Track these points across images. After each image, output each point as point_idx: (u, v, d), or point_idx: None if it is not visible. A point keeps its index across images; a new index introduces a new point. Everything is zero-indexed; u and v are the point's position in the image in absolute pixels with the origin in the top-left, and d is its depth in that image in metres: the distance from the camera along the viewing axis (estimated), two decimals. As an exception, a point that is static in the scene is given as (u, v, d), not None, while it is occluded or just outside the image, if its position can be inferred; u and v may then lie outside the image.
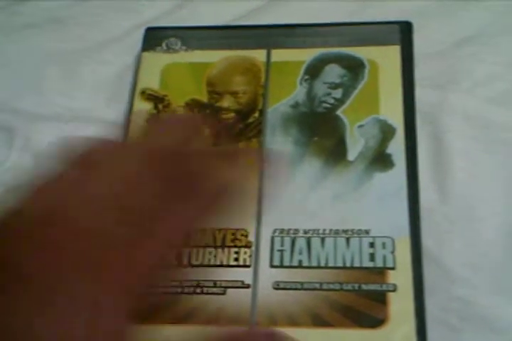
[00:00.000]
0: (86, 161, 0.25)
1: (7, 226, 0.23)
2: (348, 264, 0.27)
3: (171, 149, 0.25)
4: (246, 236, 0.29)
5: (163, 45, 0.35)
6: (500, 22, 0.36)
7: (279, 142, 0.31)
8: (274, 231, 0.29)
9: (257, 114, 0.33)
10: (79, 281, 0.20)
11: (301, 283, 0.27)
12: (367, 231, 0.28)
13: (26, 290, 0.19)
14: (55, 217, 0.22)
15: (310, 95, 0.33)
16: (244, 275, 0.28)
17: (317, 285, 0.27)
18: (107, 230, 0.21)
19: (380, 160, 0.30)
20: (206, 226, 0.24)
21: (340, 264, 0.27)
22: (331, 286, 0.27)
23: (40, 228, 0.22)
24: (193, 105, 0.34)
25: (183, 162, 0.25)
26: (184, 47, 0.35)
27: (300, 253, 0.28)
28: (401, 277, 0.27)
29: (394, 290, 0.27)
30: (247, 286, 0.28)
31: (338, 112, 0.32)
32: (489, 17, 0.36)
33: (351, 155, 0.30)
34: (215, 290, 0.28)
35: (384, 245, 0.28)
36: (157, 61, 0.35)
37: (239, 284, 0.28)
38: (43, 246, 0.21)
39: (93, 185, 0.24)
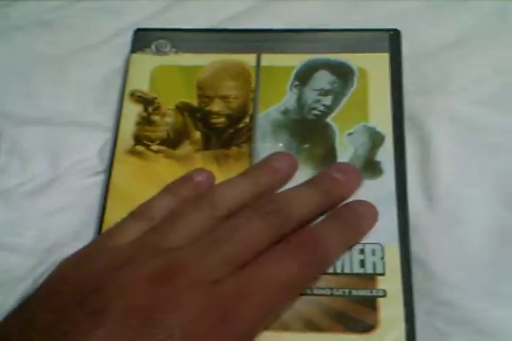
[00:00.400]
0: (203, 200, 0.26)
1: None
2: (338, 270, 0.28)
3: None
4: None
5: (153, 47, 0.35)
6: (488, 25, 0.36)
7: (270, 148, 0.32)
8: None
9: (247, 120, 0.33)
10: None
11: None
12: (357, 238, 0.29)
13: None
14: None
15: (300, 101, 0.33)
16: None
17: (308, 291, 0.27)
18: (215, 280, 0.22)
19: (369, 167, 0.31)
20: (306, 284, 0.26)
21: (330, 270, 0.28)
22: (322, 291, 0.28)
23: (142, 256, 0.22)
24: (183, 108, 0.34)
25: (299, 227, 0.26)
26: (174, 50, 0.35)
27: (292, 259, 0.29)
28: (391, 283, 0.27)
29: (384, 296, 0.27)
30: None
31: (328, 119, 0.32)
32: (477, 20, 0.37)
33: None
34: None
35: (374, 252, 0.28)
36: (146, 63, 0.35)
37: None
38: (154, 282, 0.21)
39: (200, 221, 0.24)
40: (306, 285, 0.27)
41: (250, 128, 0.32)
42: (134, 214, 0.28)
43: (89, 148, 0.34)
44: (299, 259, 0.25)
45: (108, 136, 0.34)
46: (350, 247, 0.28)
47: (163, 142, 0.32)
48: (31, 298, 0.23)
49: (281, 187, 0.30)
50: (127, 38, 0.36)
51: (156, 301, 0.20)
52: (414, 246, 0.29)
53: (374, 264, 0.28)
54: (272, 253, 0.24)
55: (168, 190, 0.29)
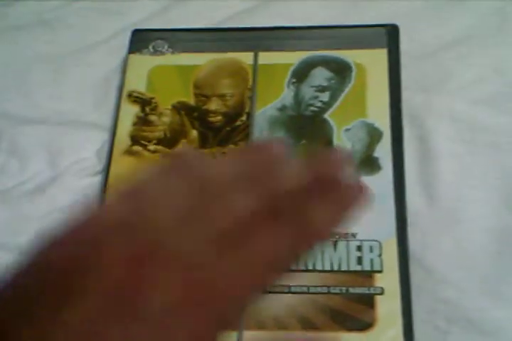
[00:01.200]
0: (180, 171, 0.25)
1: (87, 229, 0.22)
2: (335, 268, 0.28)
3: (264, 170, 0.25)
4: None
5: (150, 47, 0.35)
6: (488, 25, 0.36)
7: (267, 145, 0.31)
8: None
9: (244, 117, 0.33)
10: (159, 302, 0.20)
11: (289, 287, 0.27)
12: (354, 235, 0.28)
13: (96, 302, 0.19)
14: (136, 228, 0.21)
15: (297, 98, 0.33)
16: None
17: (305, 289, 0.27)
18: (194, 251, 0.21)
19: (367, 163, 0.30)
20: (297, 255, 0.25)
21: (327, 268, 0.28)
22: (319, 290, 0.27)
23: (122, 236, 0.21)
24: (180, 107, 0.33)
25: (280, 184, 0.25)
26: (171, 50, 0.35)
27: (288, 256, 0.28)
28: (388, 280, 0.27)
29: (381, 293, 0.27)
30: (235, 290, 0.28)
31: (326, 115, 0.32)
32: (477, 20, 0.36)
33: (338, 158, 0.30)
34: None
35: (371, 248, 0.28)
36: (144, 63, 0.35)
37: (227, 288, 0.28)
38: (120, 257, 0.20)
39: (179, 194, 0.23)
40: (293, 264, 0.26)
41: (247, 126, 0.32)
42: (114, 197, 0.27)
43: (87, 148, 0.34)
44: (287, 236, 0.24)
45: (106, 136, 0.34)
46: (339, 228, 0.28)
47: (160, 142, 0.32)
48: (1, 283, 0.22)
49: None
50: (127, 38, 0.36)
51: (134, 280, 0.20)
52: (415, 245, 0.28)
53: (371, 261, 0.27)
54: (259, 231, 0.24)
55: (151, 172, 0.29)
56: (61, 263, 0.21)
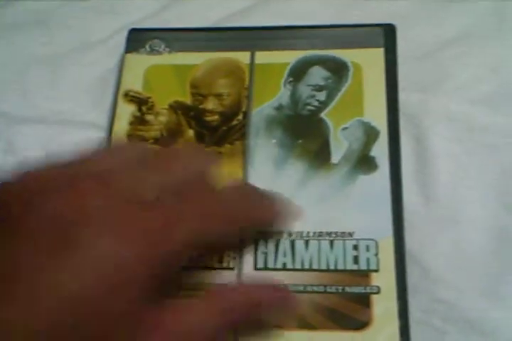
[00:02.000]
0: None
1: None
2: (332, 267, 0.27)
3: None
4: (230, 238, 0.29)
5: (147, 46, 0.35)
6: (485, 24, 0.36)
7: (263, 145, 0.31)
8: (258, 233, 0.29)
9: (240, 117, 0.33)
10: (99, 235, 0.19)
11: (285, 286, 0.27)
12: (350, 234, 0.28)
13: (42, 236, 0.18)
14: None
15: (294, 97, 0.33)
16: (229, 277, 0.28)
17: (301, 288, 0.27)
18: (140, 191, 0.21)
19: (364, 162, 0.30)
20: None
21: (324, 267, 0.28)
22: (315, 289, 0.27)
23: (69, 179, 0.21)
24: (177, 107, 0.33)
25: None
26: (168, 49, 0.35)
27: (284, 255, 0.28)
28: (384, 279, 0.27)
29: (377, 293, 0.27)
30: (231, 289, 0.28)
31: (322, 115, 0.32)
32: (475, 19, 0.36)
33: (335, 158, 0.30)
34: (198, 292, 0.27)
35: (368, 248, 0.28)
36: (140, 63, 0.35)
37: (223, 287, 0.28)
38: (66, 196, 0.20)
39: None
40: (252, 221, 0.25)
41: (244, 126, 0.32)
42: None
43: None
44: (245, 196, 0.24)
45: (103, 135, 0.34)
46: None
47: (156, 141, 0.32)
48: None
49: None
50: (124, 37, 0.36)
51: (81, 214, 0.19)
52: (411, 244, 0.28)
53: (368, 260, 0.27)
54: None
55: None
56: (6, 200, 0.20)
